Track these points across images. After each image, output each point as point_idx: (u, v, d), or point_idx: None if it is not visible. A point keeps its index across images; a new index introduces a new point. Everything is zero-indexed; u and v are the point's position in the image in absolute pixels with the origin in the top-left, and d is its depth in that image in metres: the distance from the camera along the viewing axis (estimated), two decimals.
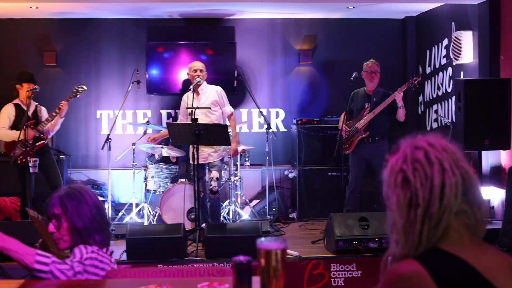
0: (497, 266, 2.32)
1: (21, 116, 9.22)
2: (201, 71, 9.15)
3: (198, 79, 9.03)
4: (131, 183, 10.19)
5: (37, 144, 9.20)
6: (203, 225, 8.45)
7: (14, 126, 9.29)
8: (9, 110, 9.40)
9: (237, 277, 2.75)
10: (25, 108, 9.35)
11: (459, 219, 2.34)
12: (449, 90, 10.32)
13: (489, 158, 9.26)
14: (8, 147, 9.30)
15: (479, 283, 2.25)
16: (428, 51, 11.27)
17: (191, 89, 8.95)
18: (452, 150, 2.41)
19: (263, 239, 2.67)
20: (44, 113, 9.57)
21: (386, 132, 9.45)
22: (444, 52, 10.58)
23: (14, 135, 9.16)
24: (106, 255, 3.77)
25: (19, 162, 9.08)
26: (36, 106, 9.53)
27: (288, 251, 7.84)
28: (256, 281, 2.75)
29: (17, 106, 9.39)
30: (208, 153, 9.11)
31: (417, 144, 2.42)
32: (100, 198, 10.19)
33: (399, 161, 2.42)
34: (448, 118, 10.20)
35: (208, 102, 9.13)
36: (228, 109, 9.31)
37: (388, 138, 9.45)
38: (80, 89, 9.42)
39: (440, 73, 10.69)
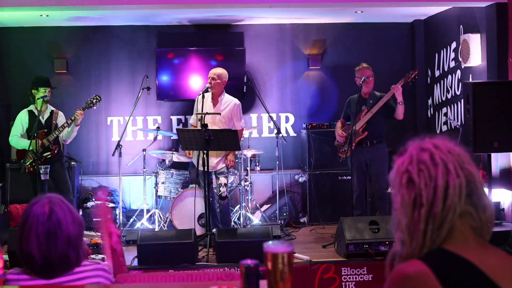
0: (502, 267, 2.33)
1: (34, 123, 9.25)
2: (212, 78, 9.16)
3: (207, 85, 9.06)
4: (142, 189, 10.23)
5: (44, 154, 9.22)
6: (214, 230, 8.48)
7: (28, 134, 9.31)
8: (23, 117, 9.41)
9: (245, 280, 2.78)
10: (38, 114, 9.39)
11: (464, 221, 2.36)
12: (458, 93, 10.32)
13: (498, 160, 9.25)
14: (19, 155, 9.34)
15: (484, 283, 2.27)
16: (436, 54, 11.27)
17: (201, 94, 9.00)
18: (458, 152, 2.44)
19: (270, 242, 2.70)
20: (61, 119, 9.52)
21: (384, 136, 9.42)
22: (452, 55, 10.59)
23: (23, 143, 9.19)
24: None
25: (26, 170, 9.12)
26: (52, 112, 9.54)
27: (299, 255, 7.92)
28: (263, 285, 2.77)
29: (30, 112, 9.38)
30: (215, 162, 9.13)
31: (423, 146, 2.45)
32: (111, 204, 10.34)
33: (405, 162, 2.45)
34: (457, 121, 10.20)
35: (224, 113, 9.14)
36: (239, 125, 9.29)
37: (387, 142, 9.45)
38: (94, 100, 9.44)
39: (449, 76, 10.70)
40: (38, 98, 9.22)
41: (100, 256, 8.00)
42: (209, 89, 9.07)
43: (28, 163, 9.10)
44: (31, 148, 8.98)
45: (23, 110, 9.46)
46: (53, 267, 3.26)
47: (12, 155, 10.69)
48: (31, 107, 9.41)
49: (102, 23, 11.45)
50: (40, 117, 9.38)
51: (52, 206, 3.27)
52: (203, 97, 8.97)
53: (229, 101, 9.25)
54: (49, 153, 9.26)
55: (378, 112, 9.22)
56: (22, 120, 9.38)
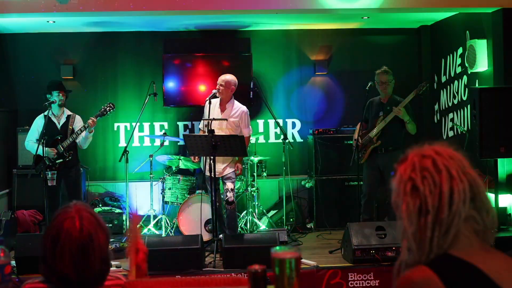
0: (506, 271, 2.34)
1: (50, 128, 9.26)
2: (220, 85, 9.19)
3: (214, 91, 9.09)
4: (148, 194, 10.24)
5: (57, 161, 9.23)
6: (221, 235, 8.49)
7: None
8: (39, 122, 9.39)
9: (252, 286, 2.78)
10: (54, 120, 9.39)
11: (468, 225, 2.37)
12: (464, 98, 10.31)
13: (505, 166, 9.23)
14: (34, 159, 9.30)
15: None
16: (443, 60, 11.26)
17: (208, 100, 9.03)
18: (459, 157, 2.44)
19: (277, 248, 2.70)
20: (78, 123, 9.50)
21: (400, 143, 9.40)
22: (459, 60, 10.57)
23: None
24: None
25: (41, 175, 9.09)
26: (68, 117, 9.53)
27: (306, 260, 7.92)
28: None
29: (46, 117, 9.19)
30: (222, 168, 9.14)
31: (424, 153, 2.46)
32: (118, 210, 10.36)
33: (408, 169, 2.45)
34: (464, 127, 10.19)
35: (231, 121, 9.15)
36: (246, 131, 9.30)
37: (403, 148, 9.42)
38: (108, 108, 9.42)
39: (456, 82, 10.68)
40: (45, 104, 9.18)
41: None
42: (216, 95, 9.10)
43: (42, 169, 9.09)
44: (45, 155, 8.99)
45: (40, 115, 9.45)
46: (88, 284, 3.21)
47: (19, 161, 10.72)
48: (48, 112, 9.34)
49: (108, 29, 11.46)
50: (56, 122, 9.38)
51: (82, 221, 3.19)
52: (209, 103, 8.99)
53: (237, 108, 9.27)
54: (61, 160, 9.25)
55: (393, 119, 9.22)
56: (38, 125, 9.37)
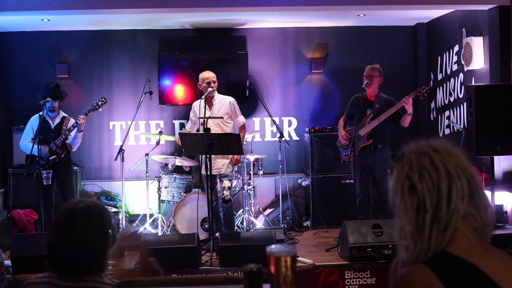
0: (504, 269, 2.33)
1: (45, 128, 9.23)
2: (214, 82, 9.17)
3: (210, 89, 9.05)
4: (144, 193, 10.21)
5: (50, 159, 9.20)
6: (217, 234, 8.47)
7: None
8: (33, 121, 9.37)
9: (248, 284, 2.77)
10: (49, 120, 9.36)
11: (467, 222, 2.36)
12: (460, 96, 10.31)
13: (501, 163, 9.24)
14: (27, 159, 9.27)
15: (488, 286, 2.26)
16: (439, 58, 11.26)
17: (204, 99, 8.98)
18: (456, 154, 2.43)
19: (273, 246, 2.68)
20: (71, 125, 9.46)
21: (388, 140, 9.39)
22: (455, 58, 10.57)
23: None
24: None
25: (35, 175, 9.06)
26: (63, 118, 9.48)
27: (303, 259, 7.91)
28: None
29: (41, 117, 9.15)
30: (221, 164, 9.14)
31: (421, 150, 2.44)
32: (114, 209, 10.34)
33: (405, 168, 2.43)
34: (460, 124, 10.18)
35: (221, 113, 9.16)
36: (240, 119, 9.35)
37: (389, 146, 9.42)
38: (100, 103, 9.39)
39: (452, 79, 10.68)
40: (40, 103, 9.16)
41: None
42: (210, 93, 9.07)
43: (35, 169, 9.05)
44: (40, 153, 8.95)
45: (35, 115, 9.42)
46: (63, 263, 3.25)
47: (15, 160, 10.68)
48: (42, 112, 9.29)
49: (103, 28, 11.45)
50: (51, 122, 9.35)
51: (83, 205, 3.31)
52: (205, 101, 8.95)
53: (222, 101, 9.29)
54: (55, 156, 9.23)
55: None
56: (32, 124, 9.34)
